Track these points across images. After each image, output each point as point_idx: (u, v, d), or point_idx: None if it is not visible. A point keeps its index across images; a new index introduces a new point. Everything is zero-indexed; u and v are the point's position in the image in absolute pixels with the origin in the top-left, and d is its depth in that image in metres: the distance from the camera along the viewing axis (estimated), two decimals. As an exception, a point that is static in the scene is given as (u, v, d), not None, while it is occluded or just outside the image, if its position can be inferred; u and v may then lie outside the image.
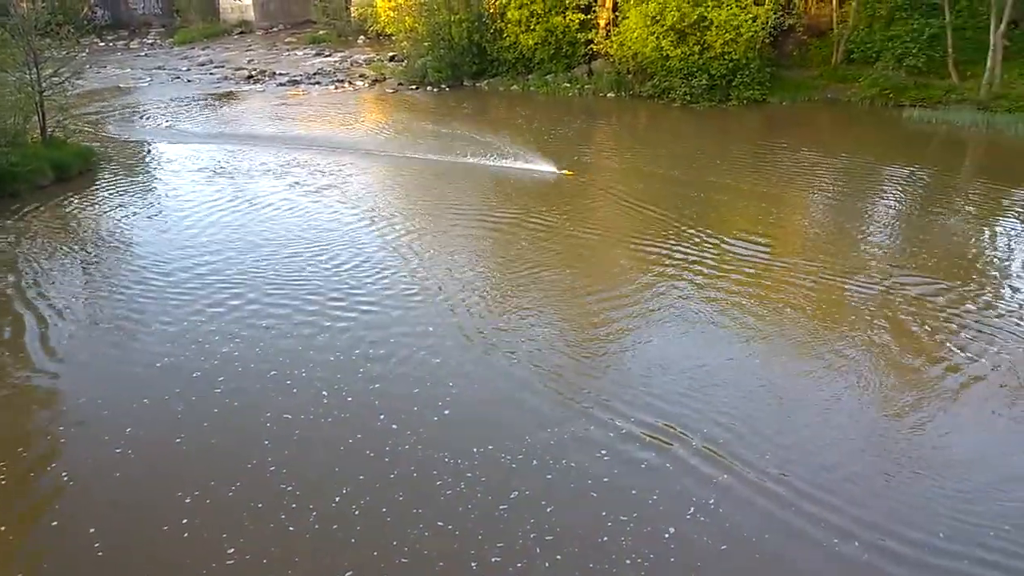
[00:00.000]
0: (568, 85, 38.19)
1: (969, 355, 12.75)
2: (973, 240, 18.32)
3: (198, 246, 17.82)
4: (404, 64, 41.51)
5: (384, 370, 12.46)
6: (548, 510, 9.33)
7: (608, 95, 37.07)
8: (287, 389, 11.93)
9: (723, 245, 17.73)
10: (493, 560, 8.57)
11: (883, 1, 34.71)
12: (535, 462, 10.18)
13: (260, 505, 9.43)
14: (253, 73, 42.11)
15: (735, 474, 9.81)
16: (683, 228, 18.77)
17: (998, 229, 19.32)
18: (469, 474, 9.92)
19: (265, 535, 8.94)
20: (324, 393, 11.80)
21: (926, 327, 13.70)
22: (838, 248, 17.66)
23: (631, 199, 21.43)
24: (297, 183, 22.81)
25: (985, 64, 31.23)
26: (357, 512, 9.33)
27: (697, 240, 17.97)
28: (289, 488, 9.68)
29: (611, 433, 10.74)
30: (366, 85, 40.35)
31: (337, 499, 9.50)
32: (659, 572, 8.39)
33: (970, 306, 14.55)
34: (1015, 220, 20.10)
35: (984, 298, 14.98)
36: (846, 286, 15.54)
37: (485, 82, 39.90)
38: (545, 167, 23.88)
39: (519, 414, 11.30)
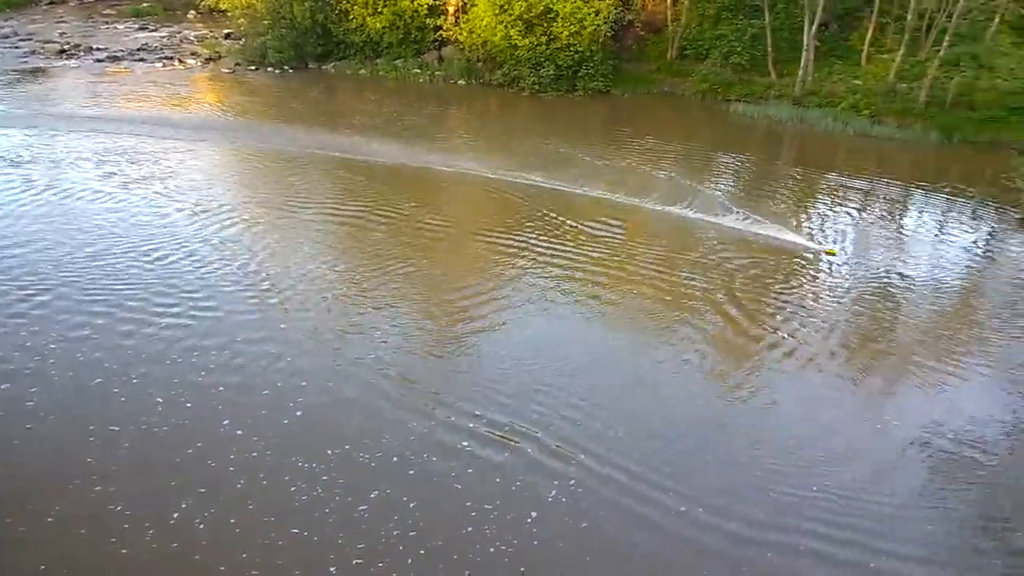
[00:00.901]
0: (418, 71, 37.66)
1: (793, 328, 13.92)
2: (794, 221, 20.03)
3: None
4: (242, 43, 39.02)
5: (228, 374, 11.62)
6: (411, 506, 9.11)
7: (458, 82, 36.99)
8: (114, 398, 10.80)
9: (578, 229, 18.18)
10: (355, 563, 8.26)
11: (711, 1, 37.11)
12: (396, 460, 9.91)
13: (84, 531, 8.46)
14: (66, 47, 37.83)
15: (582, 462, 10.04)
16: (540, 213, 19.04)
17: (812, 211, 21.32)
18: (325, 477, 9.49)
19: (94, 563, 8.04)
20: (159, 400, 10.82)
21: (760, 305, 14.80)
22: (678, 230, 18.67)
23: (486, 187, 21.43)
24: (118, 172, 20.74)
25: (799, 63, 34.21)
26: (201, 526, 8.63)
27: (553, 226, 18.30)
28: (119, 508, 8.77)
29: (471, 429, 10.66)
30: (199, 64, 37.50)
31: (176, 515, 8.74)
32: (525, 555, 8.46)
33: (795, 282, 15.91)
34: (827, 200, 22.33)
35: (798, 273, 16.43)
36: (687, 270, 16.42)
37: (331, 65, 38.40)
38: (387, 149, 23.36)
39: (377, 414, 10.96)
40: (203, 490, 9.20)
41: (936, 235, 19.93)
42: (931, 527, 9.26)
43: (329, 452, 9.94)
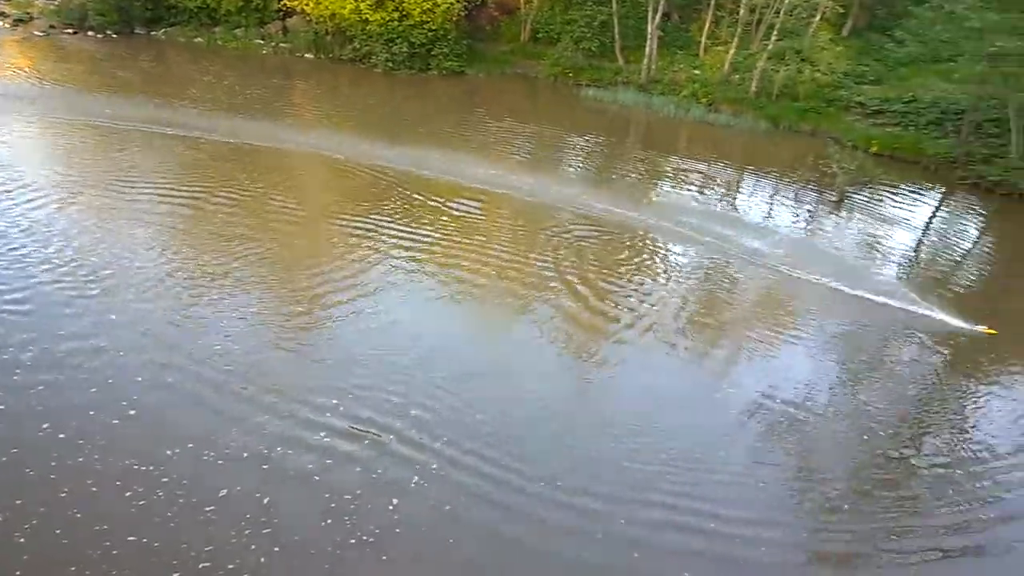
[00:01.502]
0: (261, 42, 35.59)
1: (639, 304, 14.54)
2: (644, 199, 20.93)
3: None
4: (57, 3, 35.01)
5: (45, 372, 10.40)
6: (265, 502, 8.61)
7: (306, 55, 35.36)
8: (-97, 404, 9.37)
9: (436, 210, 17.92)
10: (201, 566, 7.68)
11: (562, -15, 37.88)
12: (246, 456, 9.32)
13: None
14: None
15: (442, 449, 9.93)
16: (396, 194, 18.60)
17: (660, 188, 22.45)
18: (165, 479, 8.75)
19: None
20: (-38, 404, 9.50)
21: (610, 283, 15.31)
22: (534, 209, 18.92)
23: (339, 166, 20.61)
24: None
25: (644, 51, 35.73)
26: (21, 540, 7.69)
27: (410, 207, 17.93)
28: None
29: (327, 421, 10.21)
30: (6, 26, 33.26)
31: (-12, 532, 7.73)
32: (388, 542, 8.26)
33: (642, 259, 16.62)
34: (671, 181, 23.58)
35: (644, 251, 17.22)
36: (541, 249, 16.68)
37: (162, 31, 35.39)
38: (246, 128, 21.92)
39: (223, 410, 10.20)
40: (20, 501, 8.18)
41: (766, 214, 21.56)
42: (764, 485, 9.99)
43: (169, 453, 9.17)
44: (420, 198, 18.57)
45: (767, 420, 11.39)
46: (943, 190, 25.57)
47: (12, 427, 9.33)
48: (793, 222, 21.10)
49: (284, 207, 17.12)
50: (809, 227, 20.86)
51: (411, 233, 16.53)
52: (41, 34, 33.06)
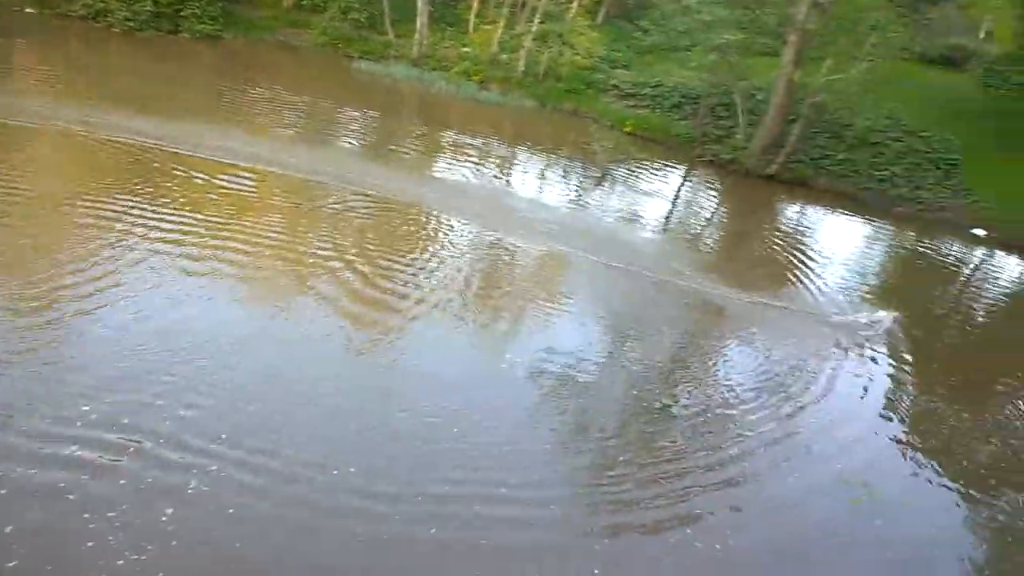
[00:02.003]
0: (-38, -11, 29.87)
1: (422, 281, 14.57)
2: (421, 174, 20.93)
3: None
4: None
5: None
6: (7, 531, 7.35)
7: (26, 10, 30.31)
8: None
9: (198, 190, 16.34)
10: None
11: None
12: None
13: None
14: None
15: (218, 451, 9.17)
16: (150, 172, 16.62)
17: (437, 164, 22.60)
18: None
19: None
20: None
21: (390, 261, 15.11)
22: (307, 186, 18.05)
23: (79, 140, 17.97)
24: None
25: (415, 25, 35.55)
26: None
27: (168, 187, 16.13)
28: None
29: (80, 433, 8.84)
30: None
31: None
32: (164, 559, 7.48)
33: (422, 234, 16.66)
34: (448, 156, 23.88)
35: (424, 225, 17.32)
36: (318, 228, 16.01)
37: None
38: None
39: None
40: None
41: (538, 189, 22.69)
42: (547, 448, 10.54)
43: None
44: (180, 174, 16.83)
45: (548, 385, 12.01)
46: (687, 167, 28.69)
47: None
48: (563, 196, 22.44)
49: (12, 189, 14.56)
50: (576, 201, 22.29)
51: (171, 214, 14.90)
52: None
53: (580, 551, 8.81)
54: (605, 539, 9.09)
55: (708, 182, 27.27)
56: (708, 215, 23.71)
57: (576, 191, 23.23)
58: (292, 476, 8.98)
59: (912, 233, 24.69)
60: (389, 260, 15.08)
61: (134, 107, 20.84)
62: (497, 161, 24.82)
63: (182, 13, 31.77)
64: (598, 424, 11.31)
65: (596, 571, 8.51)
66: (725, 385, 13.11)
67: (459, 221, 18.16)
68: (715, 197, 25.82)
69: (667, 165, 28.21)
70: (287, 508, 8.51)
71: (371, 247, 15.46)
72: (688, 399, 12.43)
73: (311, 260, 14.38)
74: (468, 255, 16.39)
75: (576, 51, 35.71)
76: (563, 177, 24.39)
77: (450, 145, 25.37)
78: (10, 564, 7.07)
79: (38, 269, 12.03)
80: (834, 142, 29.04)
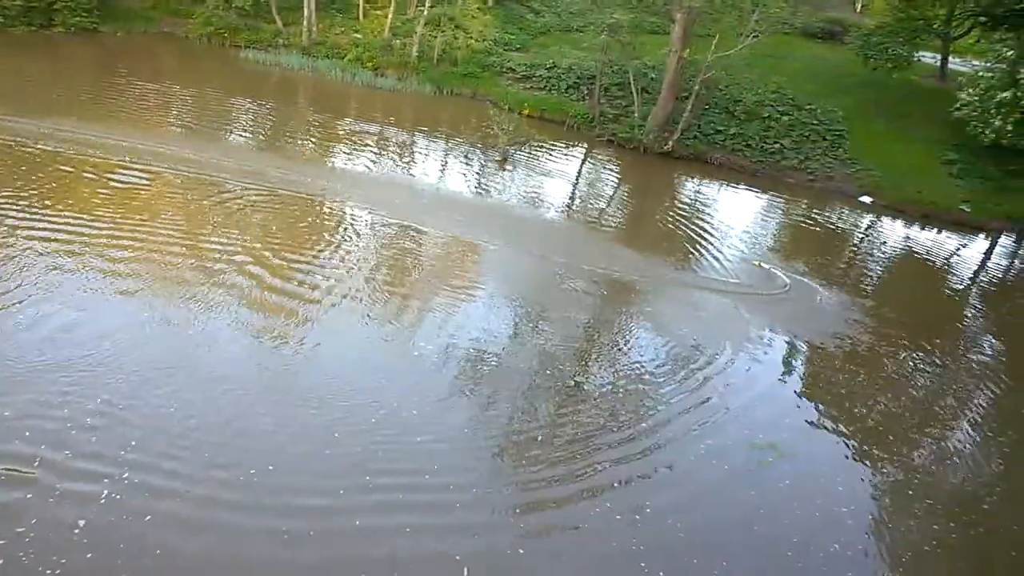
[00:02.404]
0: None
1: (328, 272, 14.18)
2: (319, 164, 20.27)
3: None
4: None
5: None
6: None
7: None
8: None
9: (86, 187, 15.26)
10: None
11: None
12: None
13: None
14: None
15: (124, 461, 8.71)
16: (32, 167, 15.41)
17: (334, 153, 21.92)
18: None
19: None
20: None
21: (295, 252, 14.63)
22: (204, 182, 17.19)
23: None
24: None
25: (303, 13, 34.32)
26: None
27: (54, 186, 14.99)
28: None
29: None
30: None
31: None
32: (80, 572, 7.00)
33: (327, 224, 16.17)
34: (346, 145, 23.23)
35: (328, 216, 16.84)
36: (218, 223, 15.29)
37: None
38: None
39: None
40: None
41: (439, 175, 22.42)
42: (466, 432, 10.52)
43: None
44: (67, 173, 15.71)
45: (460, 370, 11.98)
46: (586, 147, 29.04)
47: None
48: (465, 181, 22.26)
49: None
50: (479, 185, 22.17)
51: (57, 216, 13.98)
52: None
53: (502, 529, 8.86)
54: (527, 515, 9.16)
55: (608, 161, 27.70)
56: (609, 194, 24.12)
57: (478, 175, 23.10)
58: (202, 478, 8.60)
59: (805, 202, 25.91)
60: (293, 252, 14.65)
61: (9, 107, 19.29)
62: (398, 148, 24.37)
63: (55, 6, 29.64)
64: (512, 405, 11.34)
65: (521, 550, 8.55)
66: (635, 361, 13.39)
67: (362, 210, 17.77)
68: (615, 176, 26.26)
69: (567, 146, 28.46)
70: (205, 509, 8.19)
71: (274, 240, 14.96)
72: (600, 376, 12.63)
73: (214, 256, 13.83)
74: (373, 244, 16.07)
75: (470, 35, 35.43)
76: (465, 162, 24.20)
77: (348, 134, 24.72)
78: None
79: None
80: (725, 117, 30.06)
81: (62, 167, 16.21)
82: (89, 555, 7.36)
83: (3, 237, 12.87)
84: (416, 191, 20.11)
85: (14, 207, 14.09)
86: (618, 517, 9.40)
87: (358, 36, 35.17)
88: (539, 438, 10.66)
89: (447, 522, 8.84)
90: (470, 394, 11.45)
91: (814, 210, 25.28)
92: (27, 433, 8.75)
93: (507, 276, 16.00)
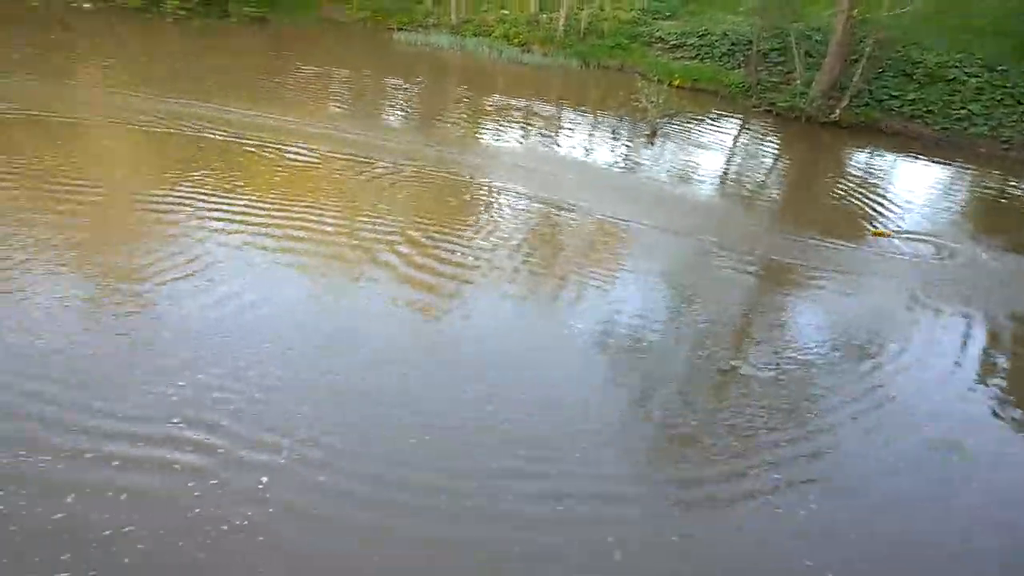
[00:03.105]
0: (20, -11, 30.63)
1: (479, 249, 14.19)
2: (471, 144, 20.48)
3: None
4: None
5: None
6: (122, 498, 7.36)
7: (84, 5, 30.94)
8: None
9: (262, 176, 16.29)
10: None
11: (361, -77, 35.81)
12: (89, 456, 7.85)
13: None
14: None
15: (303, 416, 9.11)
16: (211, 152, 16.65)
17: (484, 131, 22.05)
18: None
19: None
20: None
21: (444, 230, 14.78)
22: (360, 158, 17.84)
23: (152, 129, 18.07)
24: None
25: (452, -9, 34.88)
26: None
27: (233, 175, 16.12)
28: None
29: (172, 409, 8.91)
30: None
31: None
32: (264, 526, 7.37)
33: (477, 201, 16.23)
34: (497, 121, 23.31)
35: (480, 191, 16.87)
36: (372, 200, 15.77)
37: None
38: None
39: (39, 414, 8.56)
40: None
41: (586, 150, 21.92)
42: (613, 417, 10.08)
43: None
44: (241, 155, 16.83)
45: (610, 350, 11.56)
46: (741, 118, 27.39)
47: None
48: (612, 156, 21.63)
49: (81, 183, 14.66)
50: (627, 160, 21.47)
51: (236, 198, 14.90)
52: None
53: (658, 521, 8.36)
54: (684, 514, 8.60)
55: (766, 132, 25.96)
56: (768, 168, 22.54)
57: (626, 150, 22.37)
58: (370, 439, 8.79)
59: (997, 173, 22.98)
60: (443, 229, 14.77)
61: (192, 93, 20.98)
62: (543, 124, 24.10)
63: (229, -3, 32.08)
64: (665, 390, 10.76)
65: (674, 538, 8.09)
66: (798, 346, 12.36)
67: (510, 187, 17.66)
68: (775, 148, 24.55)
69: (720, 117, 26.97)
70: (370, 478, 8.35)
71: (425, 217, 15.18)
72: (759, 362, 11.76)
73: (371, 233, 14.17)
74: (520, 221, 15.90)
75: (618, 5, 34.40)
76: (612, 136, 23.53)
77: (495, 111, 24.76)
78: (127, 530, 7.16)
79: (117, 258, 12.11)
80: (902, 81, 27.24)
81: (239, 149, 17.33)
82: (271, 509, 7.72)
83: (188, 219, 13.87)
84: (562, 167, 19.75)
85: (200, 191, 15.16)
86: (782, 522, 8.62)
87: (505, 12, 35.18)
88: (695, 429, 10.02)
89: (602, 513, 8.39)
90: (621, 375, 11.00)
91: (1009, 181, 22.34)
92: (214, 392, 9.34)
93: (658, 255, 15.31)
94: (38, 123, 17.52)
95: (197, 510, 7.60)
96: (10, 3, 30.42)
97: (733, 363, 11.55)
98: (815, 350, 12.28)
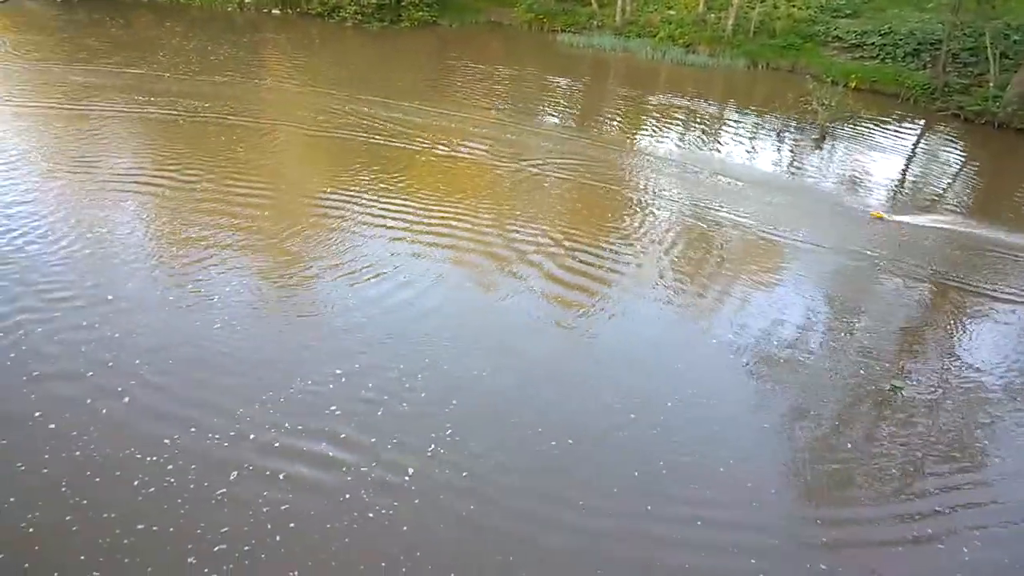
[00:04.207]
0: (226, -1, 34.66)
1: (630, 249, 14.50)
2: (629, 146, 20.76)
3: None
4: (9, -33, 33.68)
5: (42, 361, 10.21)
6: (280, 477, 8.55)
7: (272, 11, 34.55)
8: None
9: (435, 168, 17.65)
10: (216, 549, 7.61)
11: (534, -71, 36.83)
12: (252, 437, 9.23)
13: None
14: None
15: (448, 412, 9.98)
16: (378, 161, 18.25)
17: (643, 133, 22.24)
18: (171, 465, 8.62)
19: None
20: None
21: (599, 230, 15.23)
22: (519, 160, 18.66)
23: (320, 128, 20.11)
24: None
25: (618, -8, 35.04)
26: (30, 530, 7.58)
27: (398, 176, 17.61)
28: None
29: (336, 393, 10.16)
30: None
31: None
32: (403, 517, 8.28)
33: (631, 202, 16.55)
34: (656, 124, 23.45)
35: (633, 192, 17.14)
36: (526, 205, 16.52)
37: (121, -8, 34.25)
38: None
39: (230, 387, 10.05)
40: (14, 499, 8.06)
41: (749, 156, 21.47)
42: (762, 436, 10.01)
43: (167, 442, 8.95)
44: (408, 154, 18.25)
45: (760, 365, 11.46)
46: (923, 122, 25.60)
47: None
48: (776, 161, 21.07)
49: (267, 183, 16.65)
50: (792, 166, 20.84)
51: (398, 197, 16.23)
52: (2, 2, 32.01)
53: (803, 552, 8.22)
54: (834, 553, 8.29)
55: (951, 138, 24.11)
56: (951, 178, 20.97)
57: (792, 155, 21.70)
58: (521, 438, 9.47)
59: None
60: (594, 233, 15.20)
61: (369, 92, 22.88)
62: (704, 127, 23.87)
63: (403, 3, 34.15)
64: (819, 411, 10.54)
65: (823, 566, 7.98)
66: (965, 367, 11.68)
67: (666, 192, 17.79)
68: (960, 155, 22.76)
69: (899, 121, 25.35)
70: (522, 474, 9.00)
71: (577, 220, 15.69)
72: (924, 385, 11.26)
73: (524, 235, 14.81)
74: (673, 227, 16.01)
75: (792, 2, 33.08)
76: (777, 139, 22.87)
77: (654, 112, 24.82)
78: (283, 508, 8.21)
79: (297, 251, 13.63)
80: (1118, 84, 24.23)
81: (406, 148, 18.72)
82: (416, 501, 8.40)
83: (357, 215, 15.25)
84: (722, 172, 19.54)
85: (367, 190, 16.60)
86: (940, 547, 8.32)
87: (671, 12, 34.90)
88: (851, 455, 9.73)
89: (743, 539, 8.27)
90: (771, 393, 10.91)
91: None
92: (370, 384, 10.30)
93: (819, 267, 14.88)
94: (227, 124, 19.75)
95: (347, 495, 8.38)
96: (210, 9, 34.45)
97: (895, 383, 11.17)
98: (989, 372, 11.57)
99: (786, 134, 23.31)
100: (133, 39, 28.09)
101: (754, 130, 23.84)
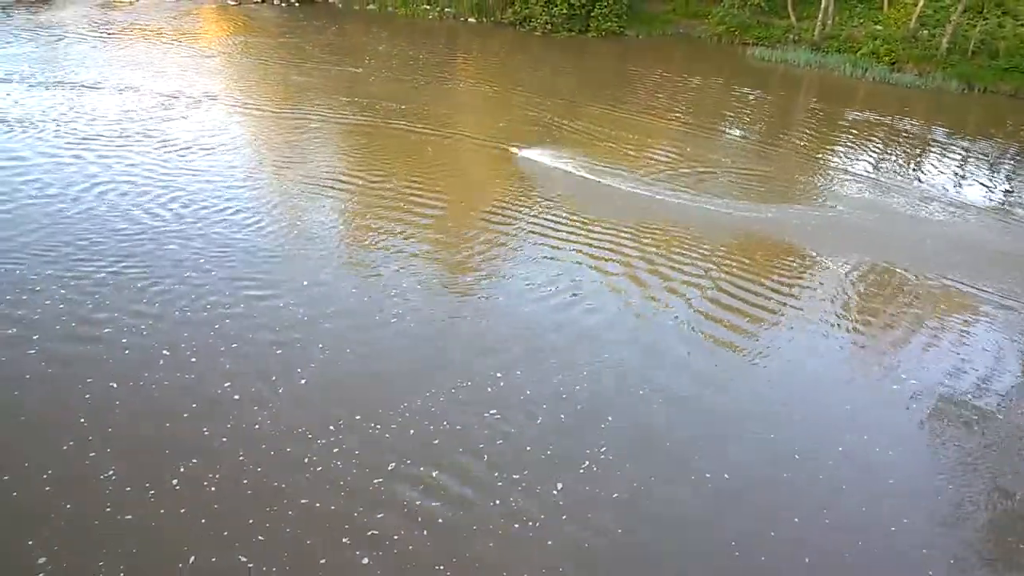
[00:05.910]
0: (428, 7, 36.88)
1: (805, 285, 13.79)
2: (811, 162, 19.69)
3: None
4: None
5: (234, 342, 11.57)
6: (434, 474, 9.04)
7: (468, 20, 36.31)
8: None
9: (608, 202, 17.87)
10: (370, 533, 8.10)
11: (731, -62, 35.82)
12: (413, 431, 9.89)
13: (76, 494, 8.36)
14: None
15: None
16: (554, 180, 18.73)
17: (839, 137, 20.91)
18: (336, 448, 9.37)
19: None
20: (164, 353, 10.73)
21: (776, 266, 14.63)
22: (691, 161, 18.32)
23: (501, 134, 20.95)
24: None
25: (820, 5, 33.16)
26: (211, 489, 8.54)
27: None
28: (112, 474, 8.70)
29: (493, 393, 10.66)
30: (202, -6, 36.72)
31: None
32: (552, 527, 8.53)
33: (815, 230, 15.73)
34: (851, 133, 22.14)
35: (816, 221, 16.23)
36: (702, 238, 16.19)
37: (338, -2, 37.63)
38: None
39: (397, 381, 10.86)
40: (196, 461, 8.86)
41: (955, 184, 19.54)
42: (940, 497, 9.22)
43: (332, 428, 9.58)
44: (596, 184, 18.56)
45: (940, 416, 10.55)
46: None
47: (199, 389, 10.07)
48: (988, 196, 18.98)
49: (436, 195, 17.59)
50: (1007, 204, 18.70)
51: (561, 220, 16.56)
52: (234, 3, 36.15)
53: None
54: None
55: None
56: None
57: (1006, 190, 19.49)
58: (678, 474, 9.44)
59: None
60: (761, 271, 14.44)
61: (546, 95, 23.50)
62: (904, 156, 21.99)
63: (592, 13, 34.54)
64: (1007, 473, 9.53)
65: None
66: None
67: (846, 240, 16.25)
68: None
69: None
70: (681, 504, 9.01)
71: (739, 258, 14.90)
72: None
73: (697, 268, 14.34)
74: (861, 265, 14.90)
75: (1021, 21, 29.70)
76: (990, 171, 20.62)
77: (848, 130, 23.17)
78: (433, 504, 8.74)
79: (464, 255, 14.31)
80: None
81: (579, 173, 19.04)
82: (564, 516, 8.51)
83: (502, 227, 15.77)
84: (918, 210, 17.82)
85: (531, 208, 17.10)
86: None
87: (878, 28, 32.57)
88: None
89: None
90: (956, 448, 10.02)
91: None
92: (528, 392, 10.79)
93: (1015, 323, 13.29)
94: (417, 128, 20.73)
95: (497, 500, 8.60)
96: (412, 17, 36.76)
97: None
98: None
99: (1001, 164, 20.99)
100: (344, 43, 30.73)
101: (961, 162, 21.62)
